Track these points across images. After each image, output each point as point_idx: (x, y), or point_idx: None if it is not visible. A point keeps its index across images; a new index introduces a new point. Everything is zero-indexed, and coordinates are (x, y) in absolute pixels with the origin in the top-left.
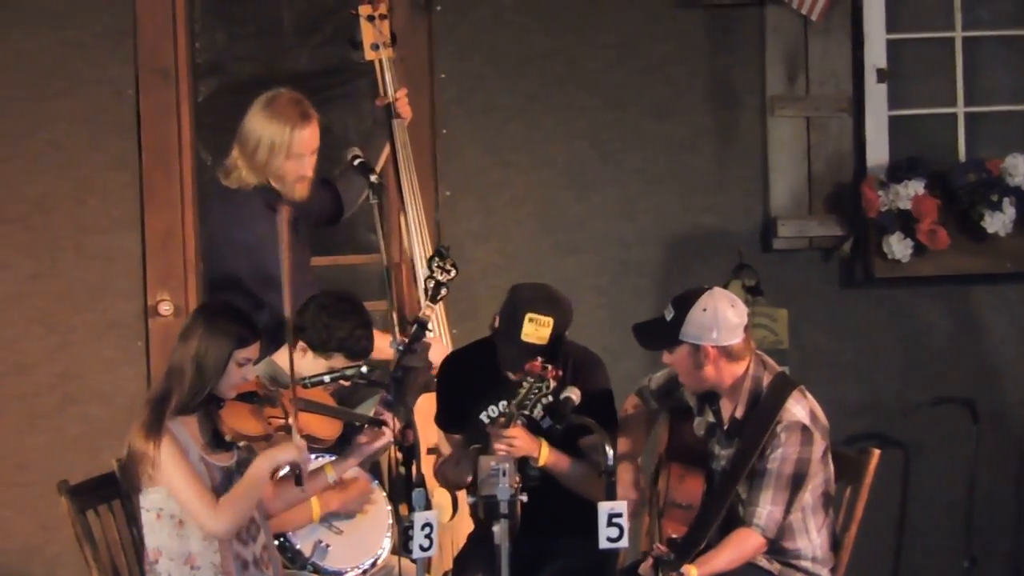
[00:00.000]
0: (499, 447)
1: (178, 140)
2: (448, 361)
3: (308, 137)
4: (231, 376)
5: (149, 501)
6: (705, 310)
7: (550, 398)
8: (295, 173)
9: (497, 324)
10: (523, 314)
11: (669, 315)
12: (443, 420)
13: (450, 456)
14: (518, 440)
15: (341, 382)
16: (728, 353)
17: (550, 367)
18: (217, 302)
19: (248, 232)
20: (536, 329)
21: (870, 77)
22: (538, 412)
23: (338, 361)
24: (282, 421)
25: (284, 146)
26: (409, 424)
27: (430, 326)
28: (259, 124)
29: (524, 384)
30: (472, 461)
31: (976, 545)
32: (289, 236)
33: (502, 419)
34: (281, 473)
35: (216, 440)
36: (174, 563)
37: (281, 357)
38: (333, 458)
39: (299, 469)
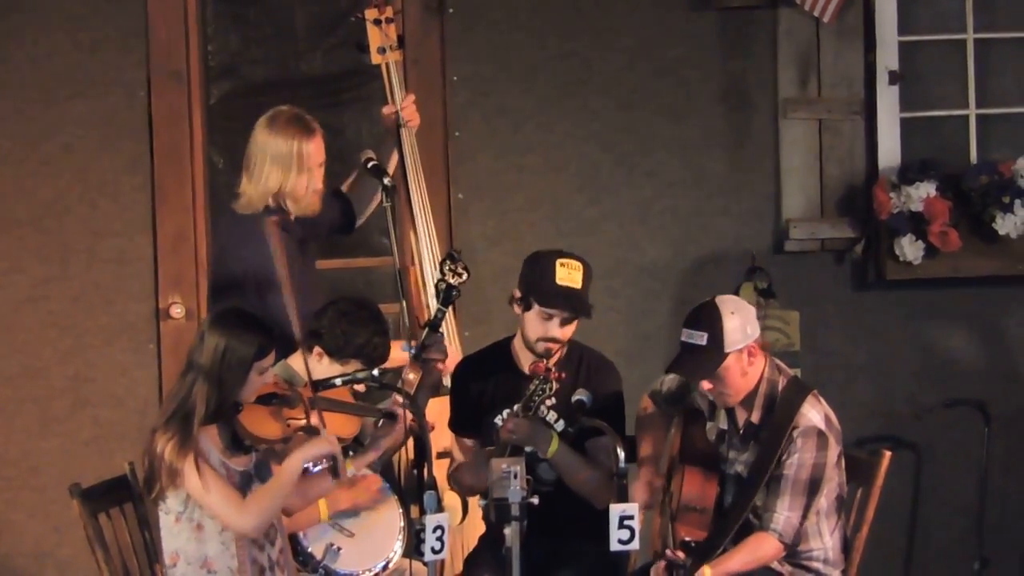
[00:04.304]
0: (506, 428)
1: (190, 143)
2: (462, 365)
3: (315, 150)
4: (251, 385)
5: (167, 505)
6: (733, 313)
7: (553, 400)
8: (307, 188)
9: (519, 293)
10: (552, 261)
11: (702, 339)
12: (457, 424)
13: (465, 462)
14: (522, 429)
15: (354, 386)
16: (761, 345)
17: (553, 369)
18: (230, 311)
19: (256, 252)
20: (569, 272)
21: (882, 79)
22: (550, 415)
23: (353, 367)
24: (302, 422)
25: (293, 160)
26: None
27: (441, 329)
28: (264, 143)
29: (529, 387)
30: (485, 463)
31: (987, 547)
32: (296, 257)
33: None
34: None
35: (235, 444)
36: (191, 567)
37: (296, 361)
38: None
39: (334, 461)
